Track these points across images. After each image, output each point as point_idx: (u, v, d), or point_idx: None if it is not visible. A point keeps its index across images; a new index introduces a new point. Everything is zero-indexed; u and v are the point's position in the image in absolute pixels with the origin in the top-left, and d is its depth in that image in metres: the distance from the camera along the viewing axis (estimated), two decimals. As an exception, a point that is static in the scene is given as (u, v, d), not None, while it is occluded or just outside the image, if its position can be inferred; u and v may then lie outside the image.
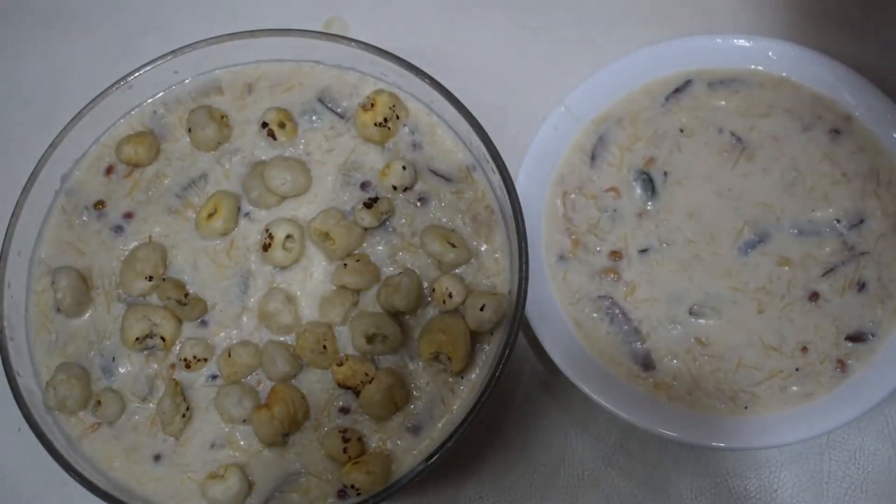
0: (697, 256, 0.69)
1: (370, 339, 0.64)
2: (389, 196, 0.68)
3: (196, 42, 0.70)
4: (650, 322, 0.68)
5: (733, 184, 0.71)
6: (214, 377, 0.66)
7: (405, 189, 0.68)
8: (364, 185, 0.69)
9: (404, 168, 0.67)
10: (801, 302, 0.68)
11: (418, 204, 0.68)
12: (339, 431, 0.63)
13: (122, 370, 0.67)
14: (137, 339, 0.66)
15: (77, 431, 0.66)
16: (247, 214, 0.69)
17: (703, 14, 0.81)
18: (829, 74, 0.72)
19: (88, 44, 0.87)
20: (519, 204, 0.63)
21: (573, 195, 0.72)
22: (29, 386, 0.66)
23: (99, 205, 0.70)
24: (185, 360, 0.66)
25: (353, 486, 0.61)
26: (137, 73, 0.70)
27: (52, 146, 0.69)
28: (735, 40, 0.74)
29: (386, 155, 0.70)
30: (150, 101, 0.73)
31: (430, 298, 0.65)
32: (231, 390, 0.64)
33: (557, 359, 0.66)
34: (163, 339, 0.66)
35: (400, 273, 0.65)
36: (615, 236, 0.71)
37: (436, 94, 0.67)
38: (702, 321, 0.68)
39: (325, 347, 0.64)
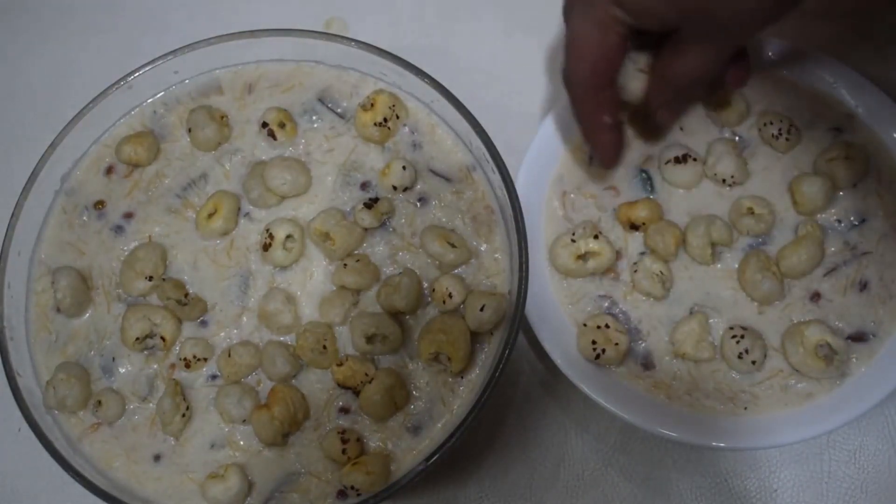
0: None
1: (370, 339, 0.64)
2: (389, 196, 0.68)
3: (196, 42, 0.70)
4: (650, 322, 0.68)
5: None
6: (214, 377, 0.66)
7: (405, 189, 0.68)
8: (364, 185, 0.69)
9: (404, 168, 0.67)
10: (802, 302, 0.68)
11: (418, 204, 0.68)
12: (338, 432, 0.63)
13: (122, 370, 0.67)
14: (137, 339, 0.66)
15: (77, 431, 0.66)
16: (247, 214, 0.69)
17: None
18: (829, 74, 0.71)
19: (88, 44, 0.88)
20: (519, 204, 0.63)
21: (572, 195, 0.72)
22: (29, 386, 0.66)
23: (99, 205, 0.70)
24: (185, 360, 0.66)
25: (352, 487, 0.61)
26: (137, 73, 0.71)
27: (52, 146, 0.69)
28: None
29: (386, 155, 0.70)
30: (150, 101, 0.73)
31: (430, 298, 0.65)
32: (231, 390, 0.64)
33: (557, 359, 0.66)
34: (163, 339, 0.66)
35: (400, 273, 0.65)
36: (615, 235, 0.70)
37: (436, 94, 0.67)
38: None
39: (325, 347, 0.64)
